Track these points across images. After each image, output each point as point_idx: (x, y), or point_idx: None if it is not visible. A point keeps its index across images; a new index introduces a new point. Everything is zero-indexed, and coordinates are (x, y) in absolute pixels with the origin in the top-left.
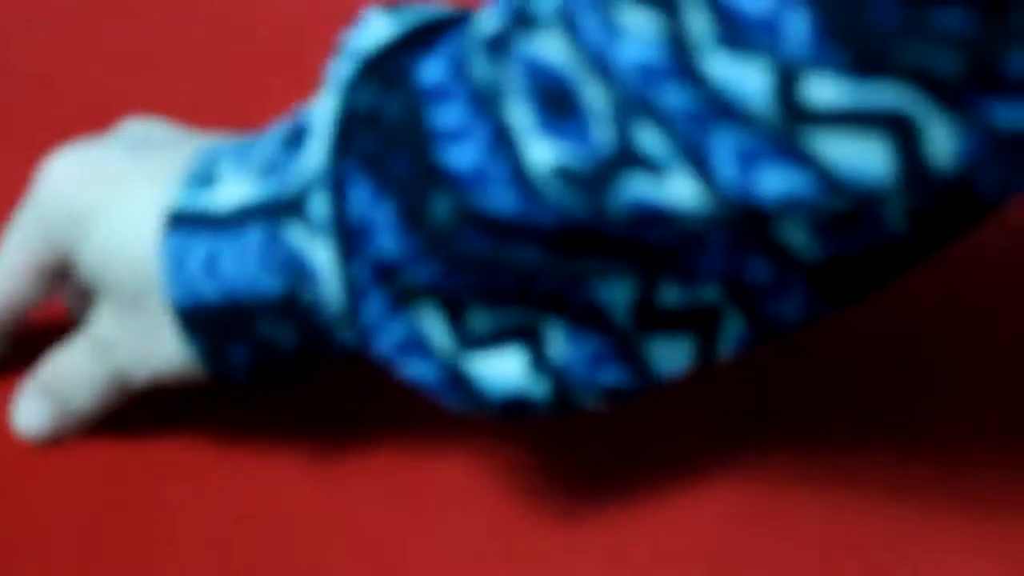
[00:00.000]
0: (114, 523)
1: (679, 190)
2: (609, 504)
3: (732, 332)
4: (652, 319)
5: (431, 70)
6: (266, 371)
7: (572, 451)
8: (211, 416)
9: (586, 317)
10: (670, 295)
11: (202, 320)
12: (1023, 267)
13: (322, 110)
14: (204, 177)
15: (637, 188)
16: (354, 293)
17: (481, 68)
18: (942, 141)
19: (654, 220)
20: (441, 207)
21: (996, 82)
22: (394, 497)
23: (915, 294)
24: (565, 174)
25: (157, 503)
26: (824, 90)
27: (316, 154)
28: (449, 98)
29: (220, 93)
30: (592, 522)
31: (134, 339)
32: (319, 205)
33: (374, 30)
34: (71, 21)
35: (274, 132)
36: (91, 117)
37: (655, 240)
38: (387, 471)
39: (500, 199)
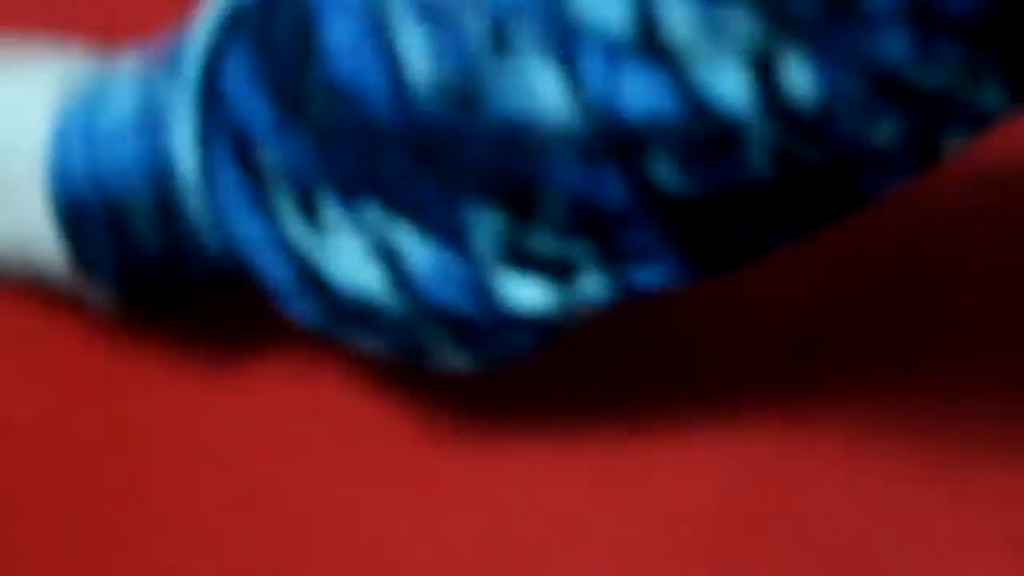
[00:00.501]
0: (112, 520)
1: (547, 94)
2: (609, 503)
3: (591, 287)
4: (513, 257)
5: None
6: (133, 270)
7: (571, 450)
8: (207, 414)
9: (446, 235)
10: (535, 241)
11: (69, 195)
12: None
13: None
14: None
15: (507, 95)
16: (209, 167)
17: None
18: (799, 71)
19: (521, 131)
20: (315, 79)
21: (851, 15)
22: (393, 495)
23: (915, 293)
24: (440, 65)
25: (155, 502)
26: (680, 12)
27: (200, 35)
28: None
29: None
30: (591, 522)
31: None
32: (189, 66)
33: None
34: (71, 22)
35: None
36: None
37: (517, 164)
38: (386, 469)
39: (372, 85)
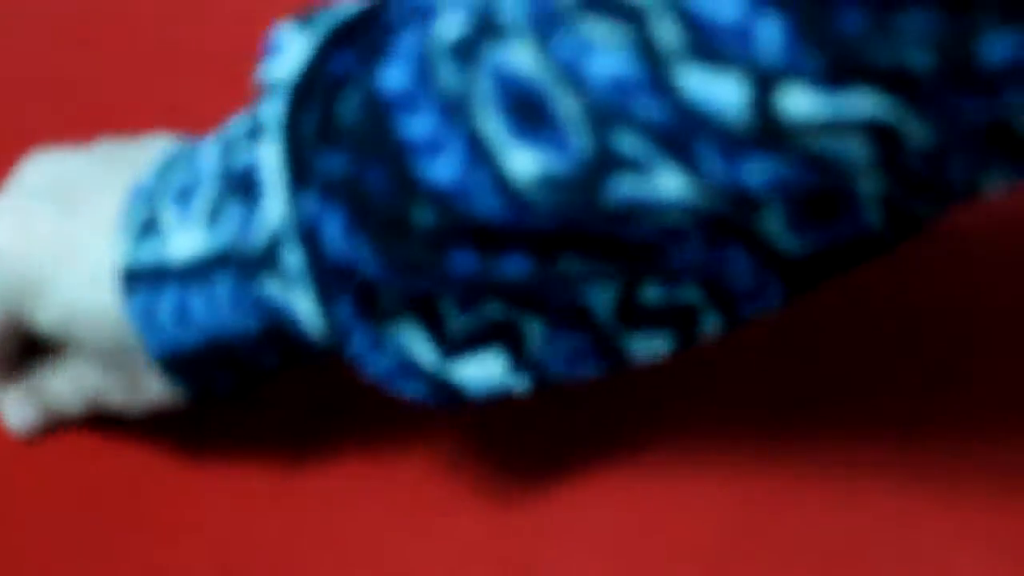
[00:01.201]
0: (111, 522)
1: (666, 184)
2: (608, 504)
3: (708, 328)
4: (634, 317)
5: (393, 76)
6: (251, 386)
7: (571, 452)
8: (207, 415)
9: (567, 316)
10: (652, 294)
11: (184, 363)
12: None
13: (266, 155)
14: (147, 227)
15: (624, 187)
16: (339, 332)
17: (448, 75)
18: (918, 140)
19: (643, 214)
20: (424, 220)
21: (969, 77)
22: (393, 497)
23: (915, 293)
24: (549, 182)
25: (154, 504)
26: (801, 101)
27: (275, 205)
28: (418, 107)
29: (219, 95)
30: (591, 522)
31: (120, 388)
32: (292, 258)
33: (291, 55)
34: (71, 21)
35: (208, 170)
36: (91, 117)
37: (639, 238)
38: (385, 471)
39: (486, 208)
